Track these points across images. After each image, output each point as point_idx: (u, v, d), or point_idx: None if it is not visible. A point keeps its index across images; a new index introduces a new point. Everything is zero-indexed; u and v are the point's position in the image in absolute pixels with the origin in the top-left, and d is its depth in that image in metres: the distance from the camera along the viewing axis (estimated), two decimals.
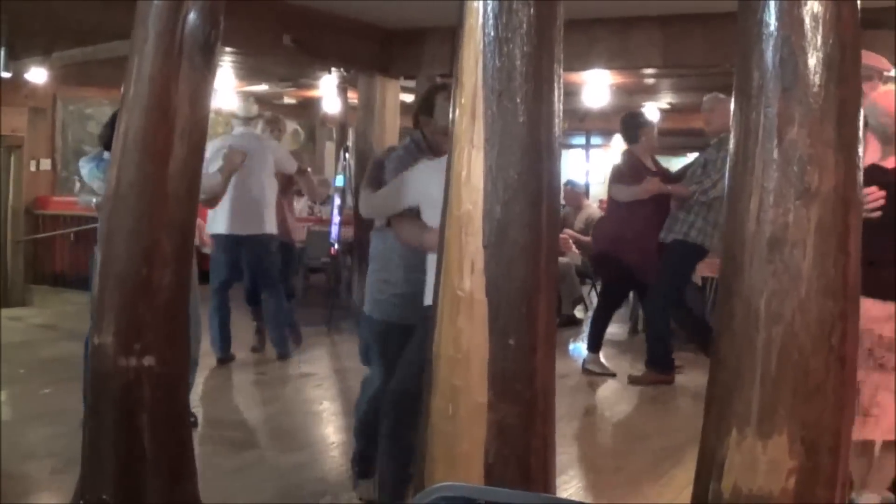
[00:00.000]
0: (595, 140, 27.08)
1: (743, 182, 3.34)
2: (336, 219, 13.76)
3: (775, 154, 3.25)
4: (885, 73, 5.45)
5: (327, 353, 11.96)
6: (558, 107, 3.79)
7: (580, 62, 12.97)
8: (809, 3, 3.25)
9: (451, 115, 3.83)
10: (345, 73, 14.93)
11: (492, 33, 3.67)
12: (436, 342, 3.83)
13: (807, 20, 3.26)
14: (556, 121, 3.78)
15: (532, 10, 3.67)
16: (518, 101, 3.65)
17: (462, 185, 3.71)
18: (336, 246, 13.76)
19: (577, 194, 16.24)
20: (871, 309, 5.28)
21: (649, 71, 14.64)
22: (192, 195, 5.27)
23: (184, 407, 5.43)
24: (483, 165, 3.66)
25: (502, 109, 3.65)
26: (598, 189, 27.00)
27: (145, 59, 5.04)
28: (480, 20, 3.69)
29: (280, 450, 7.77)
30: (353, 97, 15.38)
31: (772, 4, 3.28)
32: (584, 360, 10.82)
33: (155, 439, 5.13)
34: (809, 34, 3.26)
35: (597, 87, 16.11)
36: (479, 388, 3.71)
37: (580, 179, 19.79)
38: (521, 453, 3.78)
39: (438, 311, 3.82)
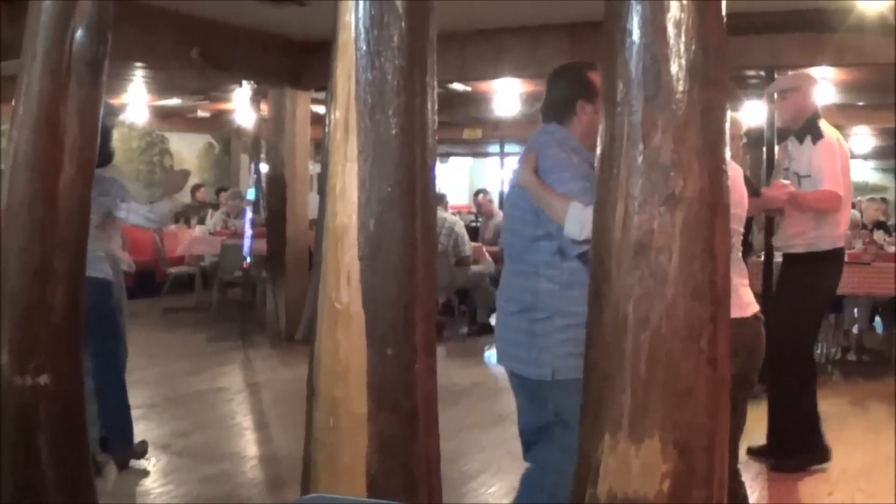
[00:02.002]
0: (510, 148, 27.16)
1: (608, 189, 3.37)
2: (248, 232, 13.71)
3: (640, 161, 3.29)
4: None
5: (241, 367, 11.92)
6: (432, 119, 3.81)
7: (490, 71, 13.04)
8: (672, 10, 3.29)
9: (325, 129, 3.84)
10: (255, 86, 14.89)
11: (364, 48, 3.70)
12: (315, 355, 3.85)
13: (669, 27, 3.29)
14: (430, 133, 3.80)
15: (404, 24, 3.70)
16: (390, 114, 3.67)
17: (337, 198, 3.73)
18: (248, 259, 13.71)
19: (489, 203, 16.33)
20: None
21: None
22: (84, 212, 5.23)
23: (81, 424, 5.39)
24: (357, 178, 3.68)
25: (375, 123, 3.67)
26: None
27: (33, 76, 5.01)
28: (353, 35, 3.72)
29: (192, 464, 7.74)
30: (266, 109, 15.35)
31: (635, 13, 3.31)
32: None
33: (53, 457, 5.09)
34: (672, 41, 3.29)
35: (508, 95, 16.17)
36: (359, 400, 3.72)
37: (496, 187, 19.91)
38: (404, 463, 3.80)
39: (317, 323, 3.83)
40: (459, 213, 20.13)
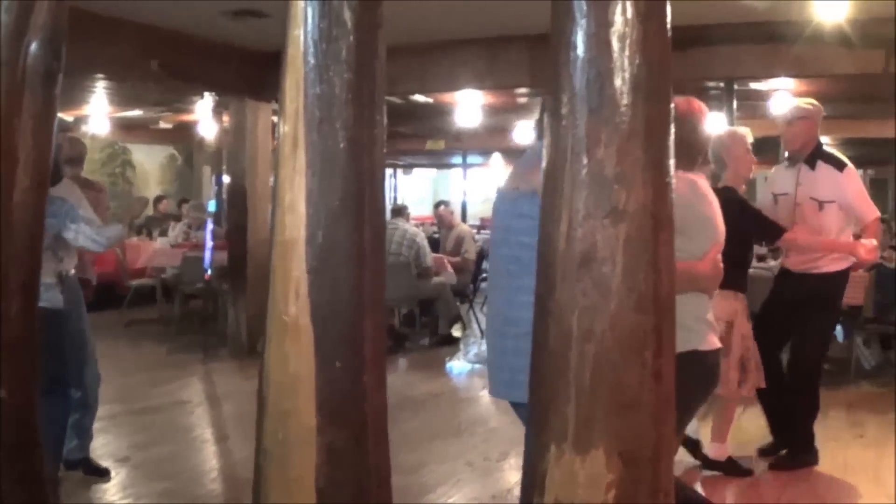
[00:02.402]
0: (472, 159, 27.25)
1: (553, 202, 3.39)
2: (209, 244, 13.69)
3: (584, 174, 3.31)
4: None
5: (201, 380, 11.89)
6: (381, 132, 3.82)
7: (451, 83, 13.09)
8: (616, 25, 3.31)
9: (274, 142, 3.86)
10: (217, 98, 14.88)
11: (312, 61, 3.71)
12: (264, 368, 3.85)
13: (613, 42, 3.31)
14: (379, 146, 3.82)
15: (352, 38, 3.71)
16: (339, 127, 3.68)
17: (286, 211, 3.74)
18: (209, 271, 13.69)
19: (450, 215, 16.37)
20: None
21: (522, 90, 14.77)
22: (37, 226, 5.22)
23: (37, 438, 5.37)
24: (305, 191, 3.69)
25: (323, 136, 3.68)
26: (477, 208, 27.22)
27: None
28: (301, 48, 3.73)
29: (152, 478, 7.73)
30: (228, 121, 15.34)
31: (579, 27, 3.34)
32: None
33: (10, 473, 5.07)
34: (616, 55, 3.31)
35: (469, 107, 16.21)
36: (308, 412, 3.73)
37: (458, 198, 19.96)
38: (354, 476, 3.80)
39: (267, 336, 3.84)
40: (422, 224, 20.15)
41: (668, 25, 3.49)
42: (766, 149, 9.58)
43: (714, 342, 5.06)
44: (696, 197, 5.00)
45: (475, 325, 14.92)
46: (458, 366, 12.77)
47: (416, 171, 32.70)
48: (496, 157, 24.44)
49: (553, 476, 3.40)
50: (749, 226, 7.44)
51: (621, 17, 3.31)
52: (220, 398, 10.87)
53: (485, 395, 10.68)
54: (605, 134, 3.30)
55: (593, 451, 3.33)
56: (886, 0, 9.43)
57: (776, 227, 7.48)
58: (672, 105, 3.47)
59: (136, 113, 19.23)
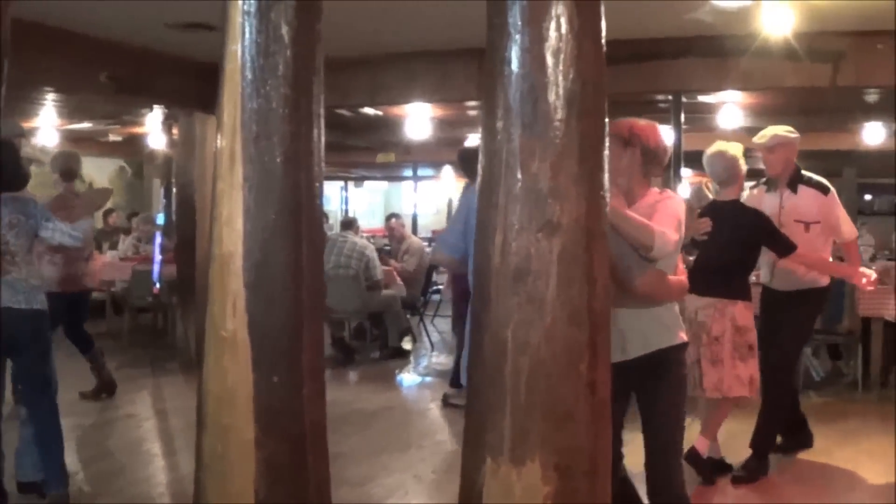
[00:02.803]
0: (423, 171, 27.23)
1: (488, 216, 3.41)
2: (158, 257, 13.62)
3: (518, 188, 3.33)
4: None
5: (150, 393, 11.81)
6: (319, 147, 3.83)
7: (401, 95, 13.08)
8: (551, 41, 3.34)
9: (214, 156, 3.86)
10: (166, 110, 14.82)
11: (249, 76, 3.71)
12: (203, 382, 3.85)
13: (548, 57, 3.34)
14: (317, 160, 3.82)
15: (289, 53, 3.72)
16: (276, 141, 3.69)
17: (223, 226, 3.74)
18: (158, 285, 13.62)
19: (401, 227, 16.36)
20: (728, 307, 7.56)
21: (472, 103, 14.78)
22: None
23: None
24: (242, 206, 3.69)
25: (260, 150, 3.69)
26: (429, 220, 27.21)
27: None
28: (239, 63, 3.73)
29: (101, 493, 7.67)
30: (177, 133, 15.27)
31: (513, 43, 3.36)
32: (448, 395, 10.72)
33: None
34: (550, 71, 3.34)
35: (419, 119, 16.21)
36: (247, 427, 3.73)
37: (409, 211, 19.96)
38: (293, 490, 3.81)
39: (205, 351, 3.84)
40: (374, 236, 20.12)
41: (603, 41, 3.52)
42: None
43: (685, 337, 5.33)
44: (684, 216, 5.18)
45: (425, 338, 14.91)
46: (408, 378, 12.75)
47: (367, 183, 32.64)
48: (447, 170, 24.42)
49: (490, 489, 3.41)
50: (764, 237, 7.67)
51: (556, 33, 3.34)
52: (169, 412, 10.80)
53: (434, 408, 10.69)
54: (539, 148, 3.32)
55: (529, 464, 3.36)
56: (832, 13, 9.52)
57: (790, 243, 7.63)
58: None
59: (86, 125, 19.09)
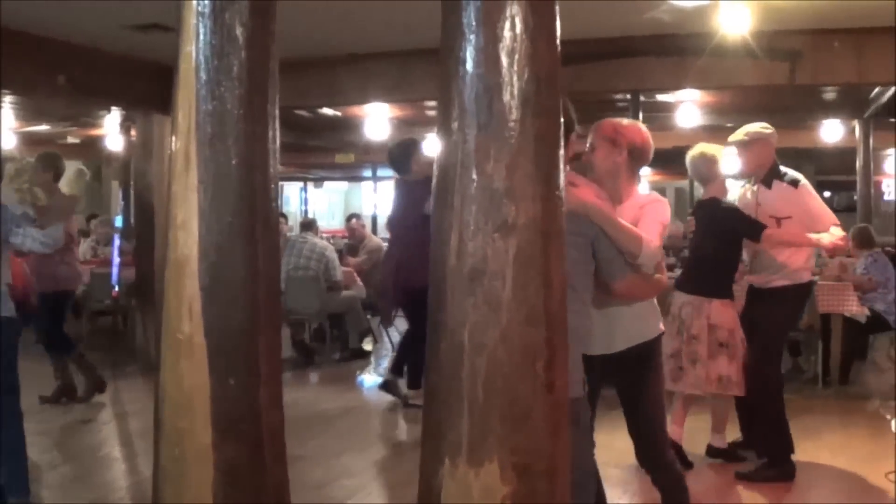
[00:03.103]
0: (383, 172, 27.23)
1: (443, 217, 3.40)
2: (116, 260, 13.56)
3: (473, 188, 3.32)
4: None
5: (110, 397, 11.74)
6: (274, 148, 3.81)
7: (360, 96, 13.07)
8: (505, 40, 3.33)
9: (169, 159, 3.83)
10: (125, 112, 14.76)
11: (204, 77, 3.69)
12: (160, 386, 3.83)
13: (502, 57, 3.33)
14: (272, 161, 3.80)
15: (244, 54, 3.70)
16: (230, 143, 3.67)
17: (178, 228, 3.72)
18: (117, 288, 13.55)
19: (362, 228, 16.36)
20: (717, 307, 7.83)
21: (431, 103, 14.78)
22: None
23: None
24: (197, 208, 3.66)
25: (215, 152, 3.66)
26: None
27: None
28: (193, 64, 3.71)
29: (60, 498, 7.63)
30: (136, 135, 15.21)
31: (468, 43, 3.35)
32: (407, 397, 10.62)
33: None
34: (505, 71, 3.33)
35: (378, 120, 16.21)
36: (204, 430, 3.70)
37: (368, 212, 19.93)
38: (252, 493, 3.78)
39: (162, 354, 3.82)
40: (334, 237, 20.09)
41: (558, 41, 3.51)
42: (675, 161, 9.63)
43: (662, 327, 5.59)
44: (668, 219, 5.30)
45: (386, 339, 14.89)
46: (368, 379, 12.73)
47: (326, 184, 32.62)
48: None
49: (448, 490, 3.40)
50: (740, 228, 7.80)
51: (510, 33, 3.33)
52: (128, 415, 10.74)
53: (395, 409, 10.67)
54: (495, 149, 3.32)
55: (487, 464, 3.35)
56: (790, 12, 9.57)
57: (759, 224, 7.67)
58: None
59: (44, 128, 19.02)
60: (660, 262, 5.28)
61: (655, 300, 5.49)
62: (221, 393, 3.69)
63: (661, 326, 5.53)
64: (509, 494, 3.36)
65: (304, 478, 7.63)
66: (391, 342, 14.44)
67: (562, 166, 3.49)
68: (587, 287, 4.75)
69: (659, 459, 5.44)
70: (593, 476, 5.09)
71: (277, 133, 3.84)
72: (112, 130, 16.45)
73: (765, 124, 8.24)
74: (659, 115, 15.35)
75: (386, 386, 10.72)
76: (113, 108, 14.53)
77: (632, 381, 5.36)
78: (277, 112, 3.85)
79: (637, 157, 5.27)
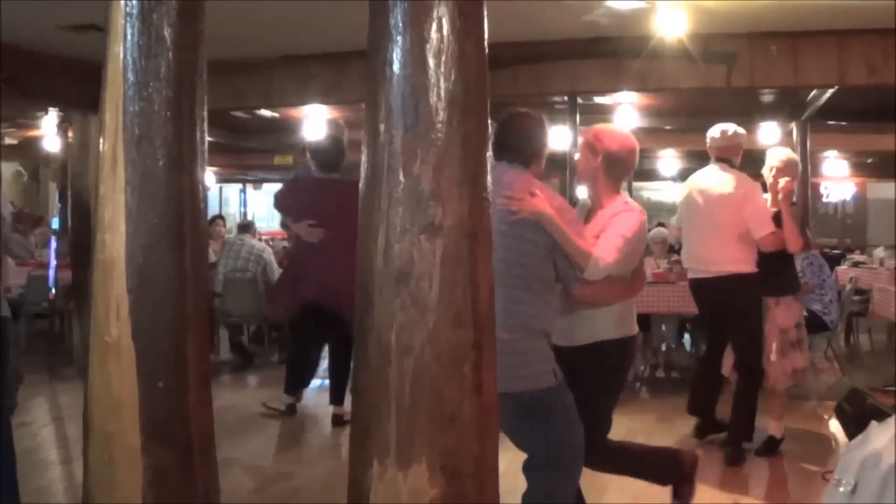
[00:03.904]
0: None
1: (370, 218, 3.40)
2: (53, 262, 13.45)
3: (400, 190, 3.32)
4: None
5: (48, 400, 11.65)
6: (202, 149, 3.80)
7: (297, 98, 13.02)
8: (432, 42, 3.33)
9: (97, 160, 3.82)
10: (62, 113, 14.64)
11: (132, 78, 3.68)
12: (88, 389, 3.81)
13: (430, 58, 3.33)
14: (200, 163, 3.79)
15: (172, 54, 3.69)
16: (158, 144, 3.66)
17: (106, 230, 3.71)
18: (54, 290, 13.44)
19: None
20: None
21: None
22: None
23: None
24: (125, 210, 3.65)
25: (142, 153, 3.66)
26: None
27: None
28: (121, 65, 3.70)
29: None
30: (73, 136, 15.09)
31: (395, 44, 3.36)
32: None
33: None
34: (432, 72, 3.34)
35: (316, 121, 16.16)
36: (133, 434, 3.69)
37: None
38: (181, 497, 3.77)
39: (90, 357, 3.80)
40: (273, 239, 20.01)
41: (486, 43, 3.52)
42: None
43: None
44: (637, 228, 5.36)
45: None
46: (312, 381, 12.71)
47: (265, 185, 32.51)
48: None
49: (377, 492, 3.40)
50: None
51: (437, 35, 3.34)
52: (66, 419, 10.66)
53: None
54: (421, 150, 3.32)
55: (415, 467, 3.35)
56: (726, 15, 9.63)
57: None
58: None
59: None
60: (639, 267, 5.39)
61: (628, 304, 5.54)
62: (150, 396, 3.68)
63: (632, 330, 5.57)
64: (438, 496, 3.36)
65: (241, 481, 7.61)
66: None
67: (488, 168, 3.49)
68: (548, 287, 4.94)
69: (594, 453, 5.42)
70: (581, 454, 5.15)
71: (206, 134, 3.84)
72: (49, 131, 16.31)
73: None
74: (596, 118, 15.33)
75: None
76: (50, 108, 14.39)
77: (584, 378, 5.37)
78: (206, 113, 3.85)
79: (613, 163, 5.35)
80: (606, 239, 5.08)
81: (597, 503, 6.63)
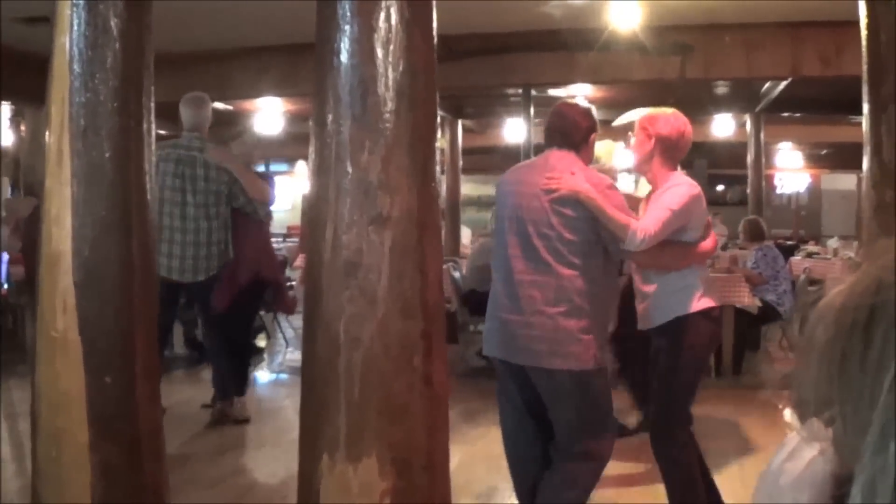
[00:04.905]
0: (275, 167, 27.09)
1: (319, 210, 3.38)
2: (5, 257, 13.34)
3: (348, 181, 3.30)
4: None
5: None
6: (149, 140, 3.77)
7: (252, 90, 12.97)
8: (381, 32, 3.31)
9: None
10: (14, 106, 14.53)
11: (78, 69, 3.65)
12: (36, 385, 3.77)
13: (378, 48, 3.31)
14: (147, 155, 3.76)
15: (118, 46, 3.66)
16: (104, 136, 3.62)
17: (52, 223, 3.67)
18: (6, 286, 13.34)
19: None
20: None
21: None
22: None
23: None
24: (71, 203, 3.61)
25: (88, 145, 3.62)
26: (282, 216, 27.04)
27: None
28: (67, 57, 3.66)
29: None
30: (25, 130, 15.00)
31: (343, 34, 3.33)
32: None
33: None
34: (380, 62, 3.32)
35: (270, 114, 16.10)
36: (81, 430, 3.66)
37: None
38: (130, 492, 3.74)
39: (37, 352, 3.75)
40: None
41: (435, 33, 3.50)
42: None
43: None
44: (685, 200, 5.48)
45: (279, 335, 14.78)
46: (262, 376, 12.62)
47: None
48: (300, 165, 24.27)
49: (327, 486, 3.38)
50: None
51: (385, 24, 3.32)
52: (18, 416, 10.57)
53: (289, 405, 10.59)
54: (370, 141, 3.30)
55: (366, 460, 3.33)
56: (680, 7, 9.65)
57: None
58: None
59: None
60: (704, 234, 5.55)
61: (702, 275, 5.66)
62: (98, 392, 3.64)
63: (703, 303, 5.59)
64: (388, 490, 3.34)
65: (196, 476, 7.55)
66: (285, 338, 14.36)
67: (437, 157, 3.48)
68: (593, 263, 5.09)
69: (662, 432, 5.62)
70: (611, 448, 5.31)
71: (153, 126, 3.80)
72: (2, 125, 16.16)
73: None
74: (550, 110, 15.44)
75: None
76: (2, 102, 14.26)
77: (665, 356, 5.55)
78: (153, 105, 3.81)
79: (667, 146, 5.49)
80: (652, 212, 5.27)
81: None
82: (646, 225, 5.13)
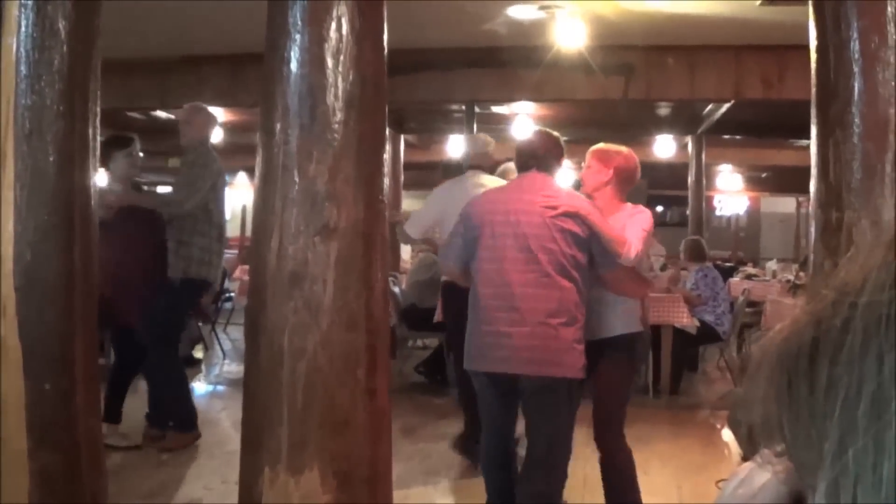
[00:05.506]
0: None
1: (265, 220, 3.36)
2: None
3: (294, 191, 3.29)
4: None
5: None
6: (94, 145, 3.73)
7: (192, 99, 12.84)
8: (331, 41, 3.30)
9: None
10: None
11: (24, 71, 3.60)
12: None
13: (328, 58, 3.30)
14: (92, 160, 3.72)
15: (66, 48, 3.62)
16: (49, 140, 3.58)
17: None
18: None
19: None
20: None
21: None
22: None
23: None
24: (14, 207, 3.57)
25: (33, 149, 3.57)
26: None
27: None
28: (13, 57, 3.61)
29: None
30: None
31: (293, 42, 3.32)
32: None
33: None
34: (330, 72, 3.31)
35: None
36: (19, 437, 3.60)
37: None
38: (68, 501, 3.69)
39: None
40: None
41: (385, 44, 3.49)
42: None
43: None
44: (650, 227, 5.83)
45: (217, 346, 14.71)
46: (199, 387, 12.54)
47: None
48: (241, 176, 24.20)
49: (268, 498, 3.36)
50: None
51: (336, 34, 3.30)
52: None
53: (225, 417, 10.53)
54: (317, 150, 3.29)
55: (307, 472, 3.31)
56: (624, 27, 9.68)
57: None
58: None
59: None
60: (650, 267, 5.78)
61: (640, 302, 5.90)
62: (37, 398, 3.59)
63: (638, 327, 5.87)
64: (330, 502, 3.32)
65: (133, 487, 7.48)
66: (222, 350, 14.29)
67: (384, 170, 3.47)
68: (583, 277, 5.33)
69: (612, 440, 5.78)
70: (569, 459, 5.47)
71: (98, 131, 3.77)
72: None
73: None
74: (494, 127, 15.38)
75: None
76: None
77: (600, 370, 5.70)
78: (98, 109, 3.77)
79: (623, 178, 5.80)
80: (630, 233, 5.50)
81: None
82: (634, 243, 5.42)
